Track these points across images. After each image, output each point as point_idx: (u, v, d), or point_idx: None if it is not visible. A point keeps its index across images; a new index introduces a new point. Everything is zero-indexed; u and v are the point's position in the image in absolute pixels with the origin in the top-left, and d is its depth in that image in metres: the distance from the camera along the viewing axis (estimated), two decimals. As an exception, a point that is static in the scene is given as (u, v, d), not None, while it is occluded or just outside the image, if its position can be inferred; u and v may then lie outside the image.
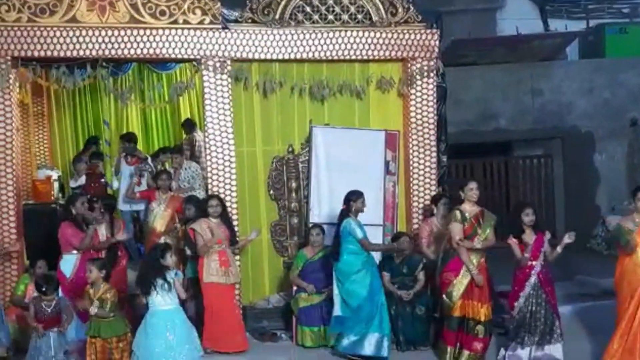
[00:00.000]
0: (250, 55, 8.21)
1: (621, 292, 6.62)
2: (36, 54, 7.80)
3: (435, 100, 8.62)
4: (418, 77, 8.55)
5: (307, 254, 7.86)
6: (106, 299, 6.07)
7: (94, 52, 7.90)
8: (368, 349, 7.03)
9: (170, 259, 6.12)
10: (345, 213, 7.26)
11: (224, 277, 7.26)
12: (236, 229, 7.99)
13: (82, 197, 7.64)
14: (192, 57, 8.18)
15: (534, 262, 6.80)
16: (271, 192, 8.45)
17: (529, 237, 6.85)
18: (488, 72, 11.55)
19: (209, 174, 8.22)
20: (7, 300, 7.48)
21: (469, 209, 6.96)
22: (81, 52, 7.87)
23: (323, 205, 8.21)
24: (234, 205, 8.14)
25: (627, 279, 6.57)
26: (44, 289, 6.17)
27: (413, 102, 8.58)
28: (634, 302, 6.49)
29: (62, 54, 7.84)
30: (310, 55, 8.33)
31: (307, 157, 8.38)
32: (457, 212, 6.90)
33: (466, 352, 6.87)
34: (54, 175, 10.45)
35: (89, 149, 10.41)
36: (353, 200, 7.24)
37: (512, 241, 6.78)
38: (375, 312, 7.08)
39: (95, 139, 10.45)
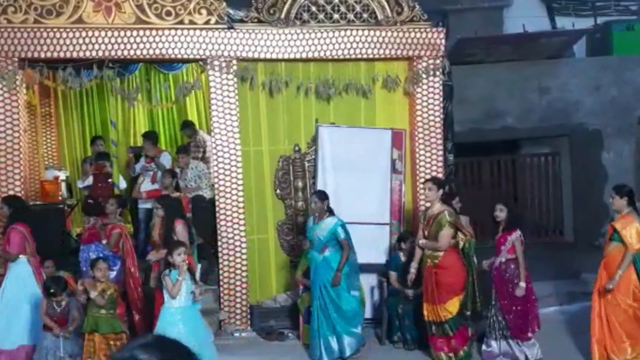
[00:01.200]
0: (256, 55, 8.22)
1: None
2: (43, 55, 7.84)
3: (441, 99, 8.61)
4: (424, 75, 8.54)
5: (313, 253, 7.85)
6: (107, 289, 6.16)
7: (100, 53, 7.93)
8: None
9: (178, 257, 6.11)
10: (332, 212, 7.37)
11: None
12: (242, 228, 8.01)
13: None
14: (198, 57, 8.20)
15: (493, 259, 6.90)
16: (277, 191, 8.47)
17: (498, 234, 6.95)
18: (494, 70, 11.49)
19: (215, 174, 8.24)
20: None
21: (429, 210, 7.06)
22: (87, 53, 7.90)
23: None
24: (241, 205, 8.15)
25: None
26: (52, 290, 6.20)
27: (419, 101, 8.57)
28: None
29: (68, 55, 7.88)
30: (316, 54, 8.33)
31: (313, 156, 8.39)
32: (420, 214, 7.06)
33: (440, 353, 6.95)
34: (62, 175, 10.48)
35: (94, 149, 10.42)
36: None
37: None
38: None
39: (98, 138, 10.45)
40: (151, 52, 8.03)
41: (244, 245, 8.19)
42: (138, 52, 8.01)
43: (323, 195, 7.33)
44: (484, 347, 7.01)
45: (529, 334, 6.86)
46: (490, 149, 11.58)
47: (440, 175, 8.56)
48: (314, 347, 7.04)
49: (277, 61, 8.34)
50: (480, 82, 11.31)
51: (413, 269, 7.04)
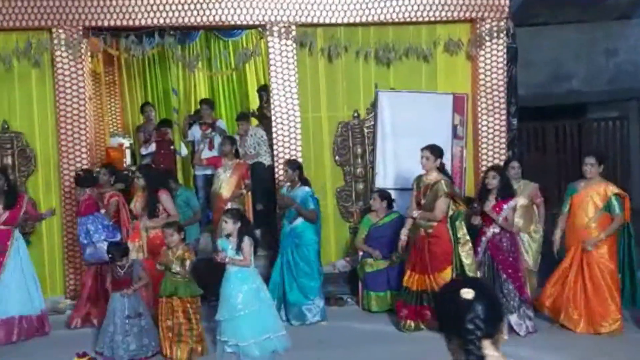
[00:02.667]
0: (315, 20, 8.16)
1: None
2: (106, 23, 7.96)
3: (505, 62, 8.40)
4: (487, 38, 8.33)
5: (372, 219, 7.85)
6: (185, 258, 6.23)
7: (161, 21, 8.00)
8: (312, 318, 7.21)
9: (228, 225, 6.20)
10: (305, 182, 7.44)
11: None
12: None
13: None
14: (257, 23, 8.19)
15: (485, 229, 6.67)
16: (336, 157, 8.45)
17: (491, 202, 6.68)
18: (560, 32, 11.13)
19: (275, 141, 8.27)
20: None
21: (424, 178, 6.79)
22: (149, 21, 7.99)
23: (389, 171, 8.17)
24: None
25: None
26: (111, 256, 6.40)
27: (482, 64, 8.37)
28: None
29: (131, 23, 7.98)
30: (376, 18, 8.21)
31: (372, 123, 8.32)
32: (415, 180, 6.90)
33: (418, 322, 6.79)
34: (126, 143, 10.72)
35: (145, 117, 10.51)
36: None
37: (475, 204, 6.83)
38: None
39: (147, 105, 10.56)
40: (211, 18, 8.06)
41: (303, 211, 8.21)
42: (198, 19, 8.05)
43: (295, 165, 7.42)
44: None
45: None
46: (556, 113, 11.28)
47: (502, 141, 8.40)
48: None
49: (337, 26, 8.26)
50: (546, 44, 11.00)
51: (404, 236, 6.85)
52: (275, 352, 6.17)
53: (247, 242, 6.19)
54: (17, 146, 8.04)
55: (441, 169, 6.81)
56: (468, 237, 6.70)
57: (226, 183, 8.19)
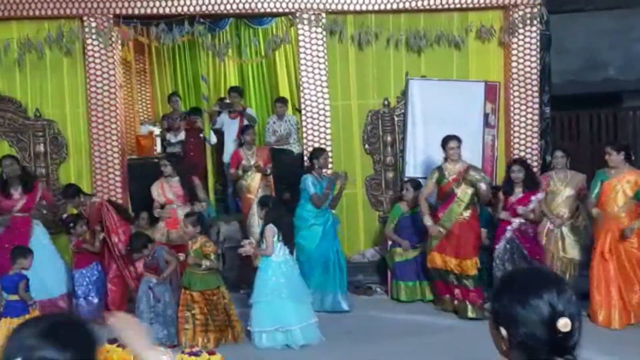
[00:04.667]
0: (345, 7, 8.09)
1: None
2: (136, 11, 7.99)
3: (538, 50, 8.26)
4: (520, 25, 8.19)
5: (402, 209, 7.78)
6: (207, 252, 6.23)
7: (191, 9, 8.00)
8: (328, 305, 7.14)
9: (258, 212, 6.24)
10: (307, 170, 7.39)
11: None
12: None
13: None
14: (287, 10, 8.14)
15: (512, 219, 6.73)
16: (366, 146, 8.39)
17: (517, 194, 6.78)
18: (595, 19, 10.90)
19: (304, 128, 8.23)
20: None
21: (450, 167, 6.90)
22: (179, 9, 7.99)
23: (419, 160, 8.09)
24: (329, 160, 8.13)
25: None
26: (129, 248, 6.46)
27: (515, 52, 8.24)
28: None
29: (161, 11, 8.00)
30: (407, 5, 8.11)
31: (402, 111, 8.25)
32: (435, 171, 6.97)
33: (457, 302, 6.93)
34: (156, 130, 10.78)
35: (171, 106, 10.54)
36: (316, 157, 7.34)
37: (500, 196, 6.89)
38: (326, 268, 7.19)
39: (173, 94, 10.59)
40: (241, 6, 8.03)
41: (332, 200, 8.19)
42: (228, 7, 8.03)
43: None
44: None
45: None
46: (590, 101, 11.06)
47: (535, 130, 8.27)
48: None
49: (367, 13, 8.18)
50: (580, 31, 10.77)
51: (430, 222, 6.90)
52: (289, 346, 6.14)
53: (268, 230, 6.20)
54: (49, 134, 8.12)
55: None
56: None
57: (251, 172, 8.16)
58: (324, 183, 7.36)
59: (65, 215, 7.17)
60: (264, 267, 6.24)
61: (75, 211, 7.35)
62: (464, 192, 6.83)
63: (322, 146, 7.99)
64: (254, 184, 8.09)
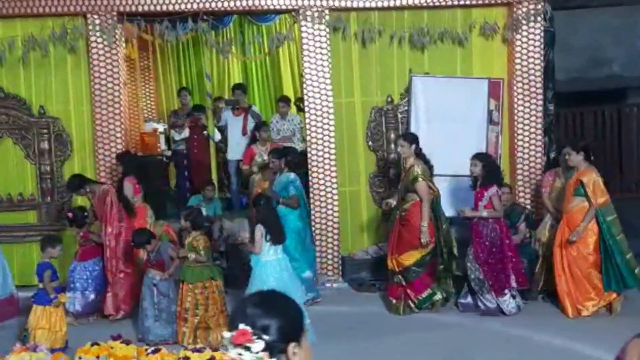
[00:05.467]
0: (348, 4, 8.08)
1: None
2: (140, 8, 8.00)
3: (542, 46, 8.23)
4: (524, 21, 8.17)
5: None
6: (195, 245, 6.23)
7: (195, 6, 8.00)
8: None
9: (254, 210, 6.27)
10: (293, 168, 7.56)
11: None
12: (334, 180, 8.03)
13: None
14: (290, 7, 8.14)
15: (469, 214, 6.84)
16: (370, 143, 8.39)
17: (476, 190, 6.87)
18: (599, 16, 10.89)
19: (307, 126, 8.24)
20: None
21: (404, 165, 7.12)
22: (183, 6, 8.00)
23: (423, 156, 8.07)
24: (332, 157, 8.14)
25: None
26: (132, 243, 6.49)
27: (518, 49, 8.22)
28: None
29: (164, 8, 8.00)
30: (410, 2, 8.10)
31: (406, 108, 8.24)
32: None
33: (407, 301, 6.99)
34: (160, 128, 10.80)
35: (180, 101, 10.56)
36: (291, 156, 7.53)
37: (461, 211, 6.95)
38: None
39: (183, 89, 10.60)
40: (244, 3, 8.03)
41: (335, 197, 8.20)
42: (232, 4, 8.03)
43: (278, 153, 7.54)
44: (461, 300, 6.97)
45: (505, 290, 6.78)
46: (594, 98, 11.05)
47: (539, 127, 8.25)
48: None
49: (370, 10, 8.17)
50: (584, 28, 10.77)
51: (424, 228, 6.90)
52: None
53: (257, 229, 6.22)
54: (53, 131, 8.14)
55: (418, 155, 7.02)
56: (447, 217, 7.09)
57: (264, 170, 8.15)
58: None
59: (71, 214, 7.18)
60: (253, 265, 6.26)
61: (79, 202, 7.39)
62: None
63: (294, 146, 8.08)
64: (264, 179, 8.08)
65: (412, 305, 6.96)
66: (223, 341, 1.92)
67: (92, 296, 6.99)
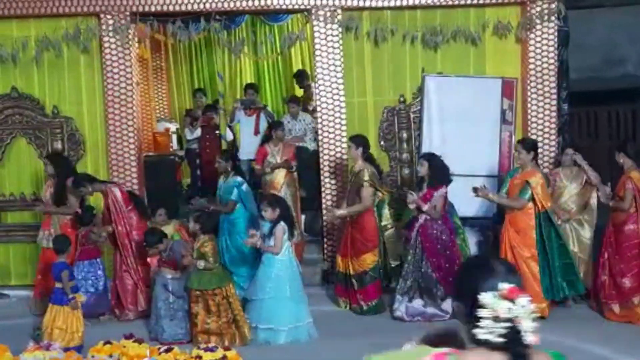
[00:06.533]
0: (361, 4, 8.06)
1: None
2: (153, 8, 8.02)
3: (556, 45, 8.18)
4: (538, 21, 8.12)
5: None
6: (204, 251, 6.16)
7: (207, 6, 8.01)
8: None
9: (266, 212, 6.23)
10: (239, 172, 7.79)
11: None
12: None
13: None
14: (302, 7, 8.13)
15: (419, 215, 6.74)
16: (382, 143, 8.36)
17: (423, 190, 6.79)
18: (614, 14, 10.81)
19: (319, 125, 8.23)
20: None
21: (353, 167, 7.15)
22: (195, 6, 8.01)
23: (435, 156, 8.03)
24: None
25: None
26: (144, 243, 6.51)
27: (532, 48, 8.17)
28: None
29: (177, 8, 8.02)
30: (423, 1, 8.07)
31: (419, 107, 8.20)
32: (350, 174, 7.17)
33: (354, 306, 7.04)
34: (172, 127, 10.83)
35: (195, 102, 10.60)
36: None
37: (410, 194, 6.81)
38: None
39: (198, 91, 10.64)
40: (257, 3, 8.03)
41: (348, 196, 8.17)
42: (244, 4, 8.04)
43: (226, 156, 7.79)
44: (406, 303, 6.80)
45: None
46: (609, 98, 10.97)
47: (553, 126, 8.21)
48: None
49: (383, 9, 8.15)
50: (599, 27, 10.70)
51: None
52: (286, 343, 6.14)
53: (279, 228, 6.18)
54: (66, 131, 8.17)
55: (367, 158, 7.08)
56: (392, 224, 7.14)
57: (279, 170, 8.16)
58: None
59: (80, 211, 7.20)
60: (267, 263, 6.23)
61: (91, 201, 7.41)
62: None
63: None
64: (279, 179, 8.09)
65: (359, 310, 7.00)
66: (486, 297, 1.97)
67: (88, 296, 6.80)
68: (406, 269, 6.82)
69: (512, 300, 1.95)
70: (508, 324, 1.94)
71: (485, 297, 1.96)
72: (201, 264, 6.11)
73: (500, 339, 1.94)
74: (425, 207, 6.70)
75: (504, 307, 1.94)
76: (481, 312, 1.96)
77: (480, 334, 1.96)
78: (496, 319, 1.95)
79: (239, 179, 7.61)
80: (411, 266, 6.78)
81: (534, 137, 8.23)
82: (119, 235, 6.98)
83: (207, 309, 6.12)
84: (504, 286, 1.97)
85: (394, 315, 6.82)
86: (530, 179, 6.60)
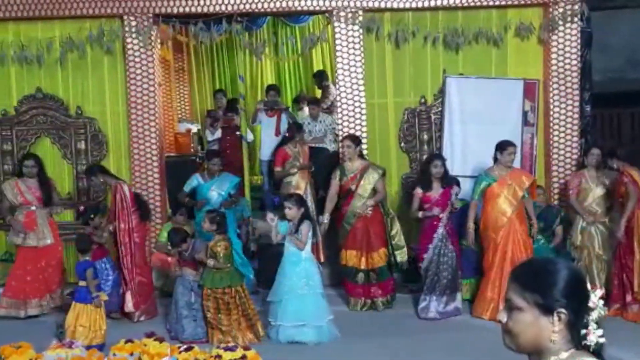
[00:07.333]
0: (382, 5, 8.06)
1: (486, 239, 6.86)
2: (175, 10, 8.08)
3: (579, 47, 8.12)
4: (560, 22, 8.06)
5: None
6: (216, 251, 6.20)
7: (229, 8, 8.05)
8: None
9: (290, 210, 6.25)
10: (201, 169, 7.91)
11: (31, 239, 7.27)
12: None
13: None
14: (324, 8, 8.15)
15: (441, 215, 6.84)
16: (402, 144, 8.35)
17: (436, 190, 6.90)
18: (637, 15, 10.70)
19: (340, 126, 8.23)
20: (152, 247, 7.95)
21: (349, 165, 7.24)
22: (217, 8, 8.05)
23: (456, 158, 8.01)
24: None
25: (492, 227, 6.80)
26: (169, 242, 6.53)
27: (555, 49, 8.12)
28: (500, 247, 6.73)
29: (199, 9, 8.07)
30: (445, 2, 8.05)
31: (439, 109, 8.19)
32: (338, 169, 7.28)
33: (368, 301, 7.16)
34: (194, 128, 10.89)
35: (216, 103, 10.64)
36: (208, 160, 7.93)
37: (417, 193, 6.97)
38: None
39: (219, 92, 10.68)
40: (278, 4, 8.06)
41: (368, 198, 8.16)
42: (266, 5, 8.07)
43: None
44: (437, 303, 6.91)
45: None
46: (632, 99, 10.86)
47: (575, 128, 8.14)
48: None
49: (404, 11, 8.14)
50: (623, 28, 10.60)
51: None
52: (303, 342, 6.15)
53: (306, 225, 6.24)
54: (89, 131, 8.26)
55: (361, 155, 7.39)
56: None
57: (301, 171, 8.15)
58: (212, 184, 7.79)
59: (82, 208, 7.27)
60: (295, 261, 6.26)
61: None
62: (363, 189, 7.11)
63: None
64: (303, 180, 8.10)
65: (381, 304, 7.12)
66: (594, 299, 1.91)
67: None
68: (433, 268, 6.86)
69: (600, 297, 1.92)
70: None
71: (592, 297, 1.90)
72: (211, 262, 6.17)
73: (603, 339, 1.90)
74: (457, 205, 6.97)
75: (600, 304, 1.92)
76: (592, 315, 1.89)
77: (595, 337, 1.89)
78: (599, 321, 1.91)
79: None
80: (444, 265, 6.86)
81: (555, 138, 8.18)
82: (120, 232, 6.95)
83: (217, 307, 6.16)
84: (589, 286, 1.93)
85: (427, 316, 6.85)
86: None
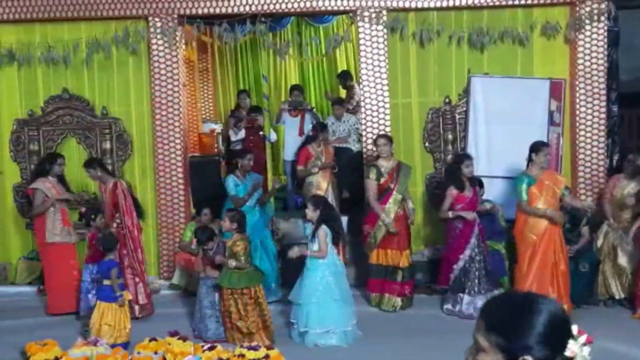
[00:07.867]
0: (406, 5, 8.03)
1: (523, 242, 6.74)
2: (200, 11, 8.12)
3: (605, 46, 8.02)
4: (587, 21, 7.97)
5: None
6: (236, 250, 6.17)
7: (253, 8, 8.07)
8: None
9: (309, 211, 6.21)
10: (231, 170, 7.76)
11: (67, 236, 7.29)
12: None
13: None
14: (348, 8, 8.14)
15: (475, 215, 6.92)
16: (426, 144, 8.31)
17: (468, 189, 6.92)
18: (667, 14, 10.53)
19: (364, 126, 8.22)
20: (176, 246, 8.00)
21: (385, 164, 7.15)
22: (241, 8, 8.08)
23: (481, 158, 7.95)
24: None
25: (531, 228, 6.69)
26: (198, 239, 6.54)
27: (581, 49, 8.03)
28: (540, 250, 6.62)
29: (224, 10, 8.10)
30: (470, 1, 8.00)
31: (464, 108, 8.13)
32: (372, 169, 7.16)
33: (387, 296, 7.12)
34: (218, 128, 10.93)
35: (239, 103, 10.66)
36: (241, 158, 7.77)
37: (452, 193, 6.93)
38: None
39: (242, 92, 10.70)
40: (302, 5, 8.07)
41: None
42: (290, 6, 8.08)
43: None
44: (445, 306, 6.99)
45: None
46: (660, 100, 10.70)
47: (602, 128, 8.04)
48: None
49: (429, 10, 8.10)
50: (651, 27, 10.41)
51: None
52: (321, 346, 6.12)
53: (322, 231, 6.14)
54: (115, 131, 8.33)
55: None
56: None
57: (323, 171, 8.17)
58: (248, 184, 7.62)
59: (84, 209, 7.31)
60: (313, 267, 6.18)
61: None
62: (401, 187, 7.15)
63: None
64: (324, 181, 8.10)
65: (402, 302, 7.12)
66: (573, 346, 1.79)
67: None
68: (472, 268, 6.86)
69: (585, 344, 1.86)
70: None
71: (572, 345, 1.76)
72: (232, 263, 6.14)
73: None
74: (487, 206, 7.15)
75: (584, 352, 1.84)
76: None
77: None
78: None
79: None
80: (482, 264, 6.88)
81: (582, 138, 8.09)
82: (128, 227, 6.93)
83: (237, 307, 6.15)
84: (575, 330, 1.80)
85: (465, 314, 6.82)
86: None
